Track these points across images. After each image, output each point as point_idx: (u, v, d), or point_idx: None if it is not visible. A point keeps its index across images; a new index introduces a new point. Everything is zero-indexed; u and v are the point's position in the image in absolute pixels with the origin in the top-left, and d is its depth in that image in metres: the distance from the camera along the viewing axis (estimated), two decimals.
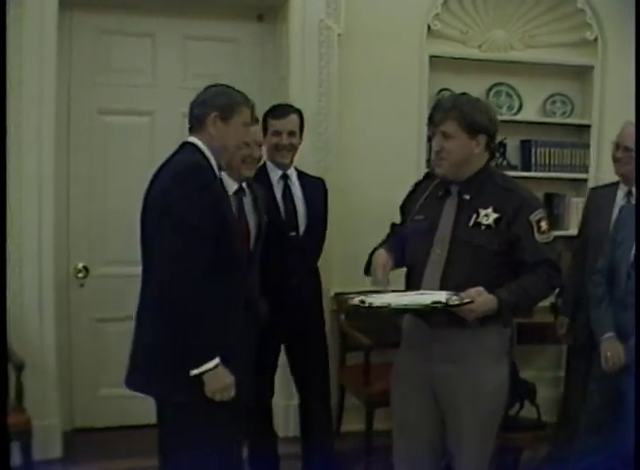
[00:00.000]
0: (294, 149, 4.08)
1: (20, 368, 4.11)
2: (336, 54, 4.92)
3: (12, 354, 4.24)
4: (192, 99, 3.07)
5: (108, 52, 4.92)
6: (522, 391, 4.71)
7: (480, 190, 3.12)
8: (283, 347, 4.15)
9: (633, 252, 3.54)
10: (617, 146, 4.08)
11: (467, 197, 3.12)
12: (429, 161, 4.91)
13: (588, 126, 5.48)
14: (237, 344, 2.93)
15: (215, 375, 2.79)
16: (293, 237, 4.01)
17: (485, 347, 3.12)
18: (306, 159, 4.59)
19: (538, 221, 3.08)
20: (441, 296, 2.95)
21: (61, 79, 4.63)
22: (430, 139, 4.25)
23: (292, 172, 4.13)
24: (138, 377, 2.98)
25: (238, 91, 3.06)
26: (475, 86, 5.42)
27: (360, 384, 4.63)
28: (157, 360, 2.86)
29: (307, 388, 4.21)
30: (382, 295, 3.05)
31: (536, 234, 3.07)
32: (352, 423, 4.92)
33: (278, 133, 4.02)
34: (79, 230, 4.94)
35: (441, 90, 5.31)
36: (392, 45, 5.08)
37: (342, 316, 4.93)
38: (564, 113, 5.61)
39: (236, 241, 2.94)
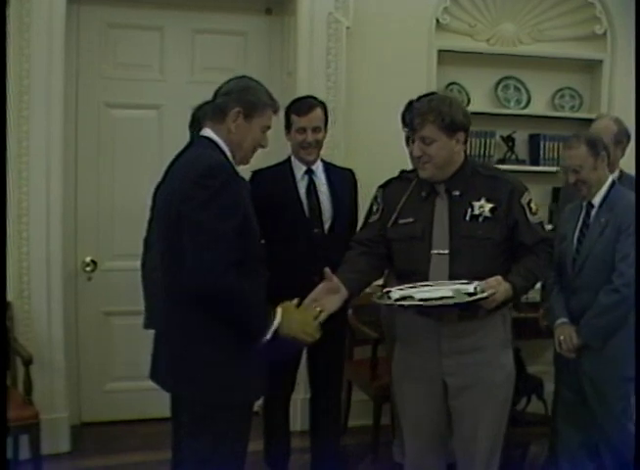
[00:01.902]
0: (319, 145, 4.00)
1: (28, 362, 4.10)
2: (344, 47, 4.92)
3: (20, 349, 4.26)
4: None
5: (115, 46, 4.92)
6: (529, 386, 4.72)
7: (468, 184, 3.12)
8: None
9: (576, 240, 3.75)
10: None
11: (457, 193, 3.12)
12: None
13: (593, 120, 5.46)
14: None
15: (287, 322, 2.79)
16: (317, 234, 3.94)
17: (493, 335, 3.16)
18: None
19: (528, 203, 3.14)
20: (470, 287, 2.95)
21: (69, 73, 4.63)
22: (407, 140, 4.28)
23: (317, 166, 4.05)
24: (165, 377, 2.88)
25: (267, 90, 2.94)
26: (483, 80, 5.44)
27: (367, 378, 4.63)
28: (184, 365, 2.77)
29: (320, 384, 4.18)
30: (402, 288, 3.04)
31: (529, 216, 3.13)
32: (360, 418, 4.93)
33: (303, 130, 3.92)
34: (87, 224, 4.95)
35: (450, 84, 5.31)
36: (401, 39, 5.07)
37: (350, 310, 4.92)
38: (572, 107, 5.60)
39: (258, 239, 2.87)
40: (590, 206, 3.74)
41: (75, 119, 4.86)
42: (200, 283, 2.65)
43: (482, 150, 5.30)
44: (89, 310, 4.99)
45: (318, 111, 3.97)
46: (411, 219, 3.16)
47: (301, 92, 4.70)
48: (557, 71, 5.56)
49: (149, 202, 2.97)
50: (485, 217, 3.07)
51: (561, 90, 5.59)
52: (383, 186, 3.38)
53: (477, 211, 3.07)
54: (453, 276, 3.04)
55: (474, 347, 3.12)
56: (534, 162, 5.48)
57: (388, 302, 3.00)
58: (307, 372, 4.24)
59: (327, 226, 3.98)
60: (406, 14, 5.07)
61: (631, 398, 3.63)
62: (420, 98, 3.22)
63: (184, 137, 2.97)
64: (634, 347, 3.42)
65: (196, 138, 2.91)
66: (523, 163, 5.45)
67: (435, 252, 3.09)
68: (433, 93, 3.36)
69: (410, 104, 3.18)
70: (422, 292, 2.98)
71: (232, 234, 2.67)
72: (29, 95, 4.38)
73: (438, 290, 2.97)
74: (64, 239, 4.60)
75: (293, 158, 4.04)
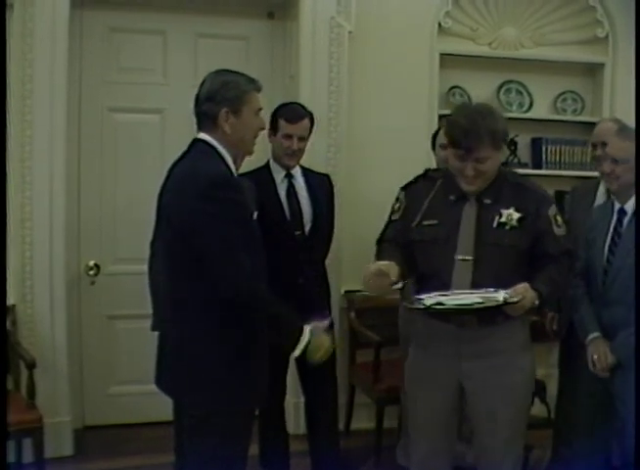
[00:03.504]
0: (302, 153, 4.05)
1: (31, 366, 4.10)
2: (346, 51, 4.92)
3: (23, 353, 4.26)
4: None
5: (118, 50, 4.93)
6: None
7: (499, 192, 3.10)
8: None
9: (607, 249, 3.59)
10: (594, 145, 4.03)
11: (488, 201, 3.09)
12: None
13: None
14: (265, 345, 2.90)
15: (315, 344, 2.81)
16: (299, 236, 3.99)
17: (513, 338, 3.14)
18: (317, 156, 4.60)
19: (555, 215, 3.13)
20: (499, 295, 2.92)
21: (71, 77, 4.63)
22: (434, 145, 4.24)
23: (296, 171, 4.09)
24: (166, 380, 2.90)
25: (242, 75, 2.91)
26: (485, 84, 5.44)
27: (370, 381, 4.64)
28: (185, 368, 2.79)
29: (313, 388, 4.19)
30: (432, 296, 3.01)
31: (555, 227, 3.11)
32: (362, 421, 4.93)
33: (289, 137, 3.96)
34: (90, 228, 4.95)
35: (452, 88, 5.31)
36: (403, 43, 5.07)
37: (353, 314, 4.93)
38: (574, 110, 5.61)
39: (258, 239, 2.87)
40: (623, 212, 3.59)
41: (78, 124, 4.86)
42: (234, 292, 2.68)
43: None
44: (92, 314, 4.99)
45: (306, 121, 4.03)
46: (435, 222, 3.12)
47: (304, 96, 4.73)
48: (559, 75, 5.56)
49: (152, 206, 2.97)
50: (512, 226, 3.05)
51: (563, 94, 5.60)
52: (405, 187, 3.35)
53: (504, 219, 3.05)
54: (476, 284, 3.01)
55: (493, 350, 3.09)
56: (537, 165, 5.48)
57: (422, 307, 2.96)
58: (298, 377, 4.25)
59: (308, 229, 4.02)
60: (408, 18, 5.07)
61: None
62: (459, 111, 3.13)
63: (187, 141, 2.95)
64: None
65: (192, 143, 2.92)
66: (525, 166, 5.44)
67: (459, 257, 3.06)
68: (468, 104, 3.28)
69: (451, 122, 3.06)
70: (453, 300, 2.96)
71: (244, 241, 2.70)
72: (32, 100, 4.39)
73: (468, 298, 2.96)
74: (67, 243, 4.61)
75: (272, 162, 4.08)
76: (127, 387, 5.01)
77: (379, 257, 3.22)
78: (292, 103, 4.20)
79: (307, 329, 2.79)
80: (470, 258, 3.05)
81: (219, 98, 2.82)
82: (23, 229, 4.43)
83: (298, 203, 4.03)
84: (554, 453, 4.17)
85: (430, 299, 2.98)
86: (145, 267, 3.16)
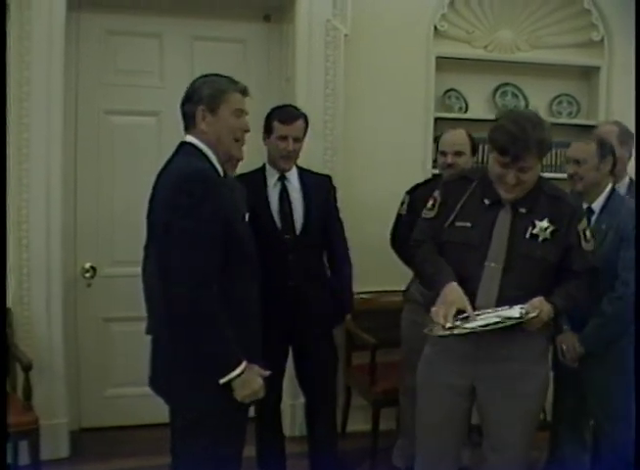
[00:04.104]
0: (297, 154, 4.03)
1: (27, 368, 4.11)
2: (342, 54, 4.92)
3: (20, 354, 4.27)
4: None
5: (115, 53, 4.93)
6: None
7: (535, 202, 3.08)
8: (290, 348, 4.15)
9: None
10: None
11: (523, 210, 3.07)
12: (435, 161, 4.87)
13: (594, 127, 5.46)
14: (258, 344, 2.91)
15: (244, 381, 2.72)
16: (288, 239, 3.94)
17: (531, 345, 3.13)
18: (313, 159, 4.59)
19: (584, 230, 3.12)
20: (514, 311, 2.95)
21: (68, 80, 4.64)
22: (438, 150, 4.24)
23: (291, 173, 4.05)
24: (159, 382, 2.91)
25: (224, 77, 2.93)
26: (481, 87, 5.45)
27: (366, 384, 4.64)
28: (176, 369, 2.79)
29: (312, 390, 4.18)
30: (451, 323, 2.96)
31: (583, 243, 3.11)
32: (358, 423, 4.94)
33: (284, 138, 3.94)
34: (87, 230, 4.96)
35: (448, 90, 5.32)
36: (399, 46, 5.08)
37: (349, 316, 4.93)
38: (570, 113, 5.62)
39: (245, 240, 2.85)
40: (590, 211, 3.67)
41: (75, 126, 4.87)
42: (170, 297, 2.66)
43: (481, 157, 5.30)
44: (88, 317, 5.00)
45: (301, 122, 4.01)
46: (468, 224, 3.11)
47: (300, 99, 4.74)
48: (554, 78, 5.57)
49: (147, 214, 2.99)
50: (545, 239, 3.04)
51: (558, 97, 5.61)
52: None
53: (537, 231, 3.04)
54: (502, 292, 3.01)
55: (509, 357, 3.09)
56: None
57: (441, 332, 2.93)
58: (296, 378, 4.24)
59: (299, 231, 3.98)
60: (404, 21, 5.08)
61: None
62: (507, 117, 3.06)
63: None
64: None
65: (178, 146, 2.93)
66: None
67: (489, 264, 3.05)
68: (517, 110, 3.23)
69: (499, 128, 2.99)
70: (472, 322, 2.95)
71: (211, 242, 2.67)
72: (29, 102, 4.39)
73: (485, 319, 2.96)
74: (63, 245, 4.61)
75: (267, 165, 4.06)
76: (123, 389, 5.01)
77: (431, 259, 3.20)
78: (285, 105, 4.18)
79: (243, 364, 2.72)
80: (500, 265, 3.04)
81: (196, 97, 2.86)
82: (20, 231, 4.44)
83: (290, 205, 4.00)
84: (550, 455, 4.18)
85: (448, 323, 2.94)
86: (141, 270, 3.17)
